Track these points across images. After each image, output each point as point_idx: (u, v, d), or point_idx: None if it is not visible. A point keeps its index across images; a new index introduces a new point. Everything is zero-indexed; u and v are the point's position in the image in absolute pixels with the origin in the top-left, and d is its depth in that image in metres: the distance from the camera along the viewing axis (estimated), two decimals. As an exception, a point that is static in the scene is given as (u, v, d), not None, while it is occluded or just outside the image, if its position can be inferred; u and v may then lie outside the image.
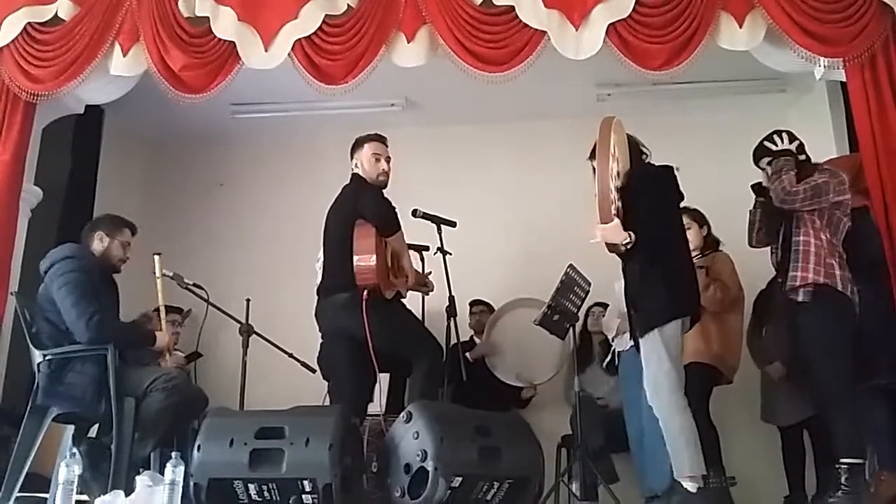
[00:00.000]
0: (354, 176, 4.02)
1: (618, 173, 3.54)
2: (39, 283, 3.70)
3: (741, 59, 4.27)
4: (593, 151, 3.48)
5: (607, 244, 3.46)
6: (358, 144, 4.04)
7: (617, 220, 3.39)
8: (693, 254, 4.28)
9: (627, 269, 3.61)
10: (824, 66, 4.12)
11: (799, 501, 4.11)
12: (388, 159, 4.00)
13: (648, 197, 3.51)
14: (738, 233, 4.21)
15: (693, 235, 4.32)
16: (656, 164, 3.70)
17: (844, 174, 3.60)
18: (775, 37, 4.01)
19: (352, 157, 4.03)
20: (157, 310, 4.00)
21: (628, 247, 3.39)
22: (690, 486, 3.31)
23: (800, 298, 3.44)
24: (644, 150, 3.74)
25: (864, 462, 3.30)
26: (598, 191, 3.36)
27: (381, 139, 4.03)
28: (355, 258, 3.75)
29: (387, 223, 3.83)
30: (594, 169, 3.43)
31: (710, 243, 4.40)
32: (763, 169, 3.74)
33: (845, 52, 3.95)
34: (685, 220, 4.32)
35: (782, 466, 4.35)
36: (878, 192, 3.82)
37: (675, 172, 3.63)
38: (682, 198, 3.67)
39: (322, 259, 4.09)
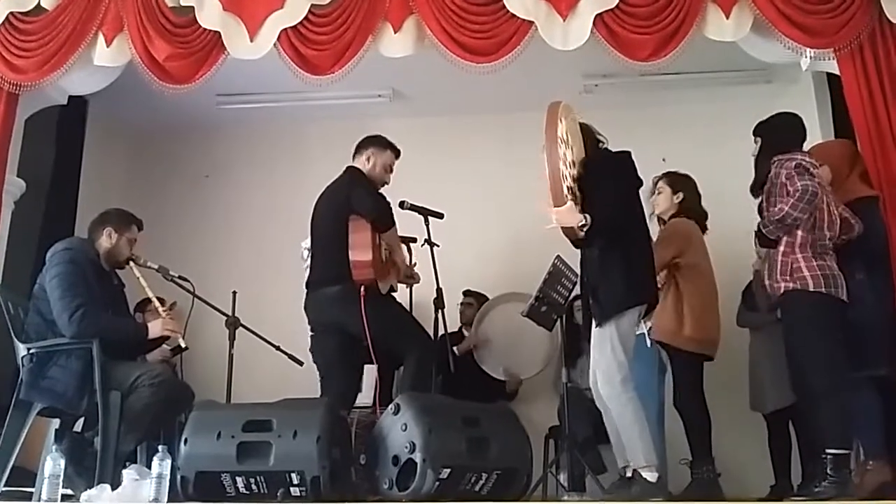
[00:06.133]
0: (353, 169, 4.00)
1: (572, 162, 3.51)
2: (27, 275, 3.66)
3: (728, 49, 4.27)
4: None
5: (564, 230, 3.45)
6: (381, 145, 4.08)
7: (571, 203, 3.37)
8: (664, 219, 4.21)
9: (586, 255, 3.60)
10: (810, 57, 4.13)
11: (784, 490, 4.13)
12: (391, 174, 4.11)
13: (606, 181, 3.49)
14: (724, 221, 4.22)
15: (663, 200, 4.21)
16: (614, 150, 3.67)
17: (817, 160, 3.50)
18: (762, 27, 4.02)
19: (364, 151, 4.04)
20: (147, 300, 3.97)
21: (585, 230, 3.37)
22: (649, 476, 3.34)
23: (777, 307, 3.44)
24: (600, 137, 3.72)
25: (850, 452, 3.31)
26: (549, 173, 3.35)
27: (398, 155, 4.13)
28: (351, 253, 3.74)
29: (383, 219, 3.83)
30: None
31: (684, 211, 4.19)
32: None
33: (832, 43, 3.96)
34: (659, 183, 4.26)
35: (768, 456, 4.37)
36: (875, 180, 3.82)
37: (633, 158, 3.59)
38: (640, 183, 3.63)
39: (309, 248, 4.07)
